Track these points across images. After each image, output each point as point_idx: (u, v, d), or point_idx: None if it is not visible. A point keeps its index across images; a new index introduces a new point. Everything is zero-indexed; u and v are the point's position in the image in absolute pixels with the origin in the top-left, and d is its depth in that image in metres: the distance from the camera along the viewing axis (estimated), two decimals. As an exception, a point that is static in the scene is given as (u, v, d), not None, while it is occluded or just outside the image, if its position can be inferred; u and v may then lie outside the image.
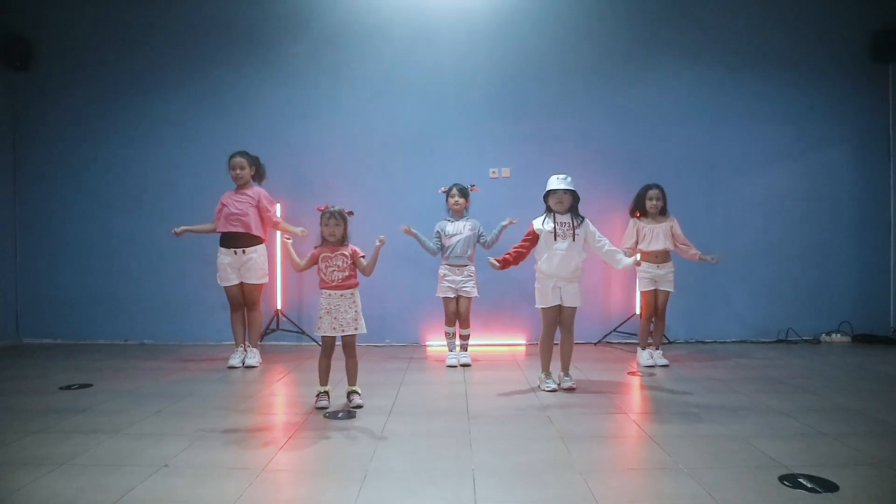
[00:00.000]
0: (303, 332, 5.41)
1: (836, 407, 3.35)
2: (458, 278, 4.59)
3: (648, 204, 4.54)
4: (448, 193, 4.70)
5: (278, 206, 4.87)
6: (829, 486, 2.21)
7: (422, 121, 5.59)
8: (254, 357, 4.54)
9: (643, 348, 4.62)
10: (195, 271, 5.38)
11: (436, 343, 5.48)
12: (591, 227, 3.81)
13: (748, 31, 5.62)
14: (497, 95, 5.59)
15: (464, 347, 4.67)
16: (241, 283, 4.53)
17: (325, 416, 3.19)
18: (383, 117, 5.58)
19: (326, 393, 3.40)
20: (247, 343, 4.61)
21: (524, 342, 5.52)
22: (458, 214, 4.69)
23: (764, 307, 5.65)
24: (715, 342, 5.60)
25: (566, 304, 3.79)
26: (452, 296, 4.61)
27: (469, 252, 4.63)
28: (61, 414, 3.21)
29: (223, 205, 4.51)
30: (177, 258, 5.48)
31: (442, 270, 4.64)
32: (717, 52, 5.62)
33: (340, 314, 3.32)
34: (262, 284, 4.62)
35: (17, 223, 5.64)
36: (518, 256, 3.82)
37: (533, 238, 3.82)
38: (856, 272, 5.70)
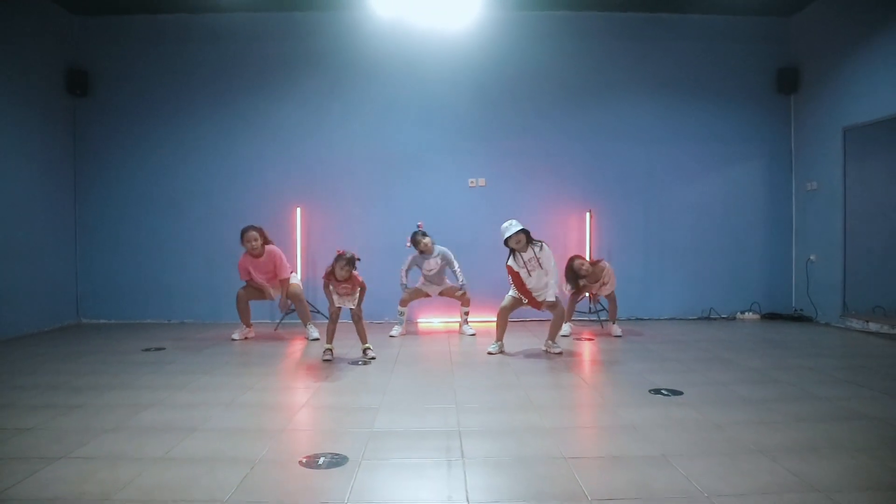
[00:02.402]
0: (318, 311, 6.62)
1: (715, 357, 4.68)
2: (433, 286, 5.82)
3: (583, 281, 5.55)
4: (414, 242, 5.58)
5: (298, 209, 6.05)
6: (677, 393, 3.53)
7: (412, 139, 6.83)
8: (314, 331, 5.60)
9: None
10: (226, 262, 6.53)
11: (424, 320, 6.73)
12: (550, 259, 4.65)
13: (679, 68, 6.94)
14: (475, 119, 6.84)
15: (466, 322, 5.90)
16: (278, 287, 5.60)
17: (349, 363, 4.44)
18: (381, 136, 6.81)
19: (330, 349, 4.61)
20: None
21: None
22: (429, 252, 5.66)
23: (691, 290, 6.99)
24: (651, 318, 6.92)
25: (543, 300, 4.73)
26: (423, 289, 5.81)
27: (443, 275, 5.76)
28: (158, 364, 4.43)
29: (250, 273, 5.48)
30: (210, 252, 6.68)
31: (420, 284, 5.84)
32: (654, 85, 6.93)
33: (343, 299, 4.57)
34: (296, 282, 5.77)
35: (77, 223, 6.79)
36: (523, 290, 4.74)
37: (517, 273, 4.77)
38: (765, 262, 7.07)
